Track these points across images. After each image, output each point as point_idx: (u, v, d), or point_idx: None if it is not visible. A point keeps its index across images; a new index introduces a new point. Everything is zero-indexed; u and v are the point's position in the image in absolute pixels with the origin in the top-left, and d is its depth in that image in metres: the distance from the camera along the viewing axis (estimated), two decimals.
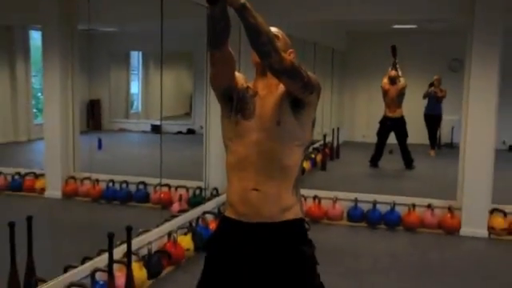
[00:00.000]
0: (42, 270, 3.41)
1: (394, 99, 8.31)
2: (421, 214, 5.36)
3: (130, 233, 3.34)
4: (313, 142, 8.86)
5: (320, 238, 5.15)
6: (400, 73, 8.33)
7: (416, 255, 4.76)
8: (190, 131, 10.97)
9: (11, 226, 3.25)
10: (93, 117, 13.19)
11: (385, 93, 8.41)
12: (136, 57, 13.59)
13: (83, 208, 6.00)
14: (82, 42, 12.55)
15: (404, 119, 8.35)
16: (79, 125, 11.94)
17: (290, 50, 1.90)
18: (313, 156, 8.38)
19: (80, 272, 3.36)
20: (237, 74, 1.92)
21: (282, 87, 1.83)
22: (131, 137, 12.06)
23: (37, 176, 6.44)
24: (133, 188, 6.15)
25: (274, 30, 1.81)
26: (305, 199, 5.63)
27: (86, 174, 6.30)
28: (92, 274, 3.36)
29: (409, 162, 8.36)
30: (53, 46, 6.13)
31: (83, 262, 3.51)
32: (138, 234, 4.11)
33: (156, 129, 10.82)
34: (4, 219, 3.31)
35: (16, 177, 6.49)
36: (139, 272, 3.63)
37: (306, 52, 8.45)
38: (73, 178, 6.26)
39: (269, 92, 1.86)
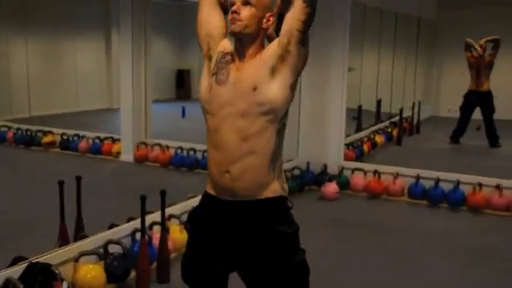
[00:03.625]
0: (99, 226, 3.60)
1: (481, 71, 7.73)
2: (488, 194, 5.00)
3: (163, 197, 3.45)
4: (391, 116, 8.56)
5: (376, 213, 5.07)
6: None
7: (474, 238, 4.46)
8: None
9: (60, 184, 3.49)
10: (183, 86, 13.68)
11: (471, 64, 7.85)
12: None
13: (151, 172, 6.29)
14: (170, 13, 12.96)
15: (491, 93, 7.77)
16: (165, 93, 12.42)
17: (270, 14, 1.77)
18: (389, 130, 8.11)
19: (122, 231, 3.55)
20: (224, 39, 1.85)
21: (262, 56, 1.74)
22: None
23: (114, 141, 6.83)
24: (200, 155, 6.31)
25: None
26: (365, 174, 5.50)
27: (157, 141, 6.57)
28: (132, 234, 3.53)
29: (493, 140, 7.80)
30: (126, 16, 6.35)
31: (128, 221, 3.71)
32: (187, 199, 4.25)
33: None
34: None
35: (96, 141, 6.93)
36: (179, 235, 3.74)
37: (384, 22, 8.08)
38: (144, 143, 6.56)
39: (248, 60, 1.76)
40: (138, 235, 3.52)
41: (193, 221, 1.92)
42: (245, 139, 1.71)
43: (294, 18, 1.68)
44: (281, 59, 1.70)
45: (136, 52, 6.42)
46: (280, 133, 1.77)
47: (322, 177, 5.54)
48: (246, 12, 1.73)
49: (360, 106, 7.80)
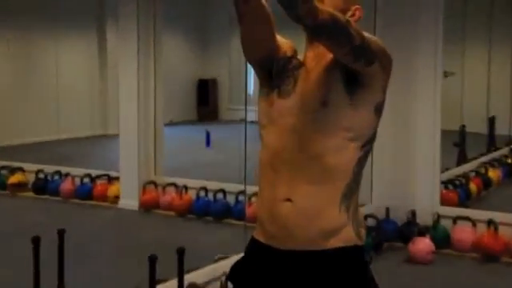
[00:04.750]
0: None
1: None
2: None
3: (181, 258, 3.48)
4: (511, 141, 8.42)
5: (493, 285, 4.94)
6: None
7: None
8: None
9: (35, 241, 3.56)
10: (206, 102, 13.74)
11: None
12: None
13: (163, 224, 6.36)
14: (196, 8, 13.16)
15: None
16: (183, 113, 12.56)
17: (356, 7, 1.86)
18: (509, 161, 7.98)
19: None
20: (281, 39, 1.95)
21: (332, 63, 1.83)
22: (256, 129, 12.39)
23: (110, 180, 6.94)
24: (232, 199, 6.33)
25: None
26: (473, 225, 5.41)
27: (171, 179, 6.64)
28: None
29: None
30: (127, 3, 6.52)
31: None
32: (215, 261, 4.28)
33: None
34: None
35: (85, 180, 7.04)
36: None
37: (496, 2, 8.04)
38: (153, 183, 6.65)
39: (317, 63, 1.86)
40: None
41: (236, 280, 1.99)
42: (315, 157, 1.80)
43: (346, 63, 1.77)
44: (352, 82, 1.79)
45: (142, 54, 6.56)
46: (361, 162, 1.84)
47: (409, 229, 5.48)
48: (327, 1, 1.81)
49: (463, 127, 7.72)
